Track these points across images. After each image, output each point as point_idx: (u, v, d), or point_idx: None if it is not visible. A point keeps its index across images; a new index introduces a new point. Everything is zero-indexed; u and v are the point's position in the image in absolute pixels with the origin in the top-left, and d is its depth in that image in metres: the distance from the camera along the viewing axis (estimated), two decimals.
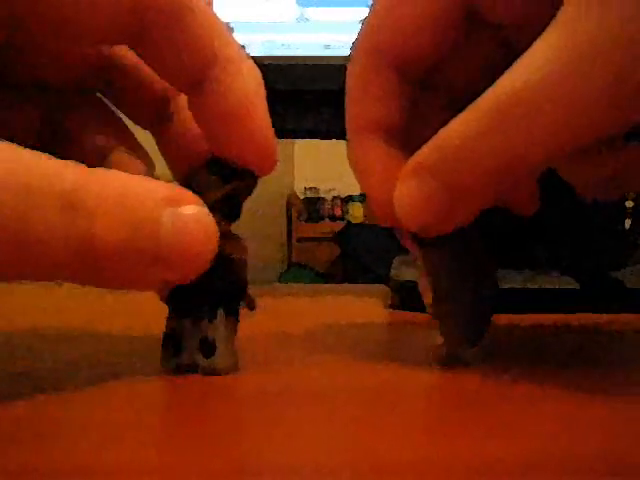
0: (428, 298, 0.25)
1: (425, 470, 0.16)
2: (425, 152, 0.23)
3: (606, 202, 0.26)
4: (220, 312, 0.24)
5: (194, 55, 0.23)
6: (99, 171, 0.20)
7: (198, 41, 0.23)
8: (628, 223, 0.46)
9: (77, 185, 0.19)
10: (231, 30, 0.25)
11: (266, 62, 0.53)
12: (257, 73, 0.24)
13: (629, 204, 0.43)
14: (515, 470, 0.16)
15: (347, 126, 0.27)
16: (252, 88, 0.24)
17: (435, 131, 0.23)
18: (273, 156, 0.25)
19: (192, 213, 0.20)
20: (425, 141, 0.23)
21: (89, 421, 0.20)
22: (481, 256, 0.26)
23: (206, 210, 0.21)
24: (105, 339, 0.30)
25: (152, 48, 0.24)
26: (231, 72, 0.24)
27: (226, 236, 0.23)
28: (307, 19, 0.60)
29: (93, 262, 0.19)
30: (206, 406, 0.21)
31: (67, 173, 0.19)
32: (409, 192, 0.23)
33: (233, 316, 0.24)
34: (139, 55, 0.24)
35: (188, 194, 0.21)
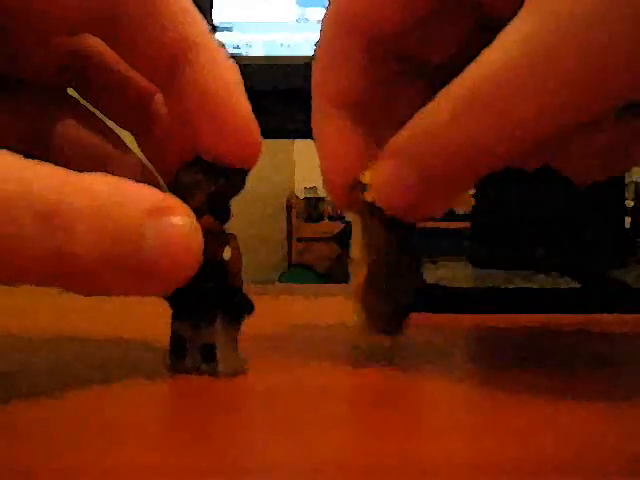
0: (361, 276, 0.25)
1: (423, 471, 0.16)
2: (401, 136, 0.23)
3: (598, 185, 0.25)
4: (219, 316, 0.24)
5: (166, 42, 0.23)
6: (80, 178, 0.19)
7: (170, 28, 0.23)
8: (628, 223, 0.46)
9: (55, 195, 0.18)
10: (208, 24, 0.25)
11: (266, 62, 0.53)
12: (232, 61, 0.24)
13: (629, 204, 0.43)
14: (515, 471, 0.16)
15: (312, 96, 0.26)
16: (229, 75, 0.23)
17: (409, 108, 0.22)
18: (256, 146, 0.24)
19: (177, 225, 0.19)
20: (398, 118, 0.23)
21: (94, 421, 0.20)
22: (414, 250, 0.26)
23: (192, 220, 0.20)
24: (107, 340, 0.30)
25: (124, 36, 0.23)
26: (206, 59, 0.23)
27: (217, 237, 0.23)
28: (307, 19, 0.60)
29: (72, 274, 0.19)
30: (204, 407, 0.21)
31: (45, 181, 0.18)
32: (386, 176, 0.23)
33: (233, 319, 0.24)
34: (111, 46, 0.24)
35: (174, 203, 0.20)
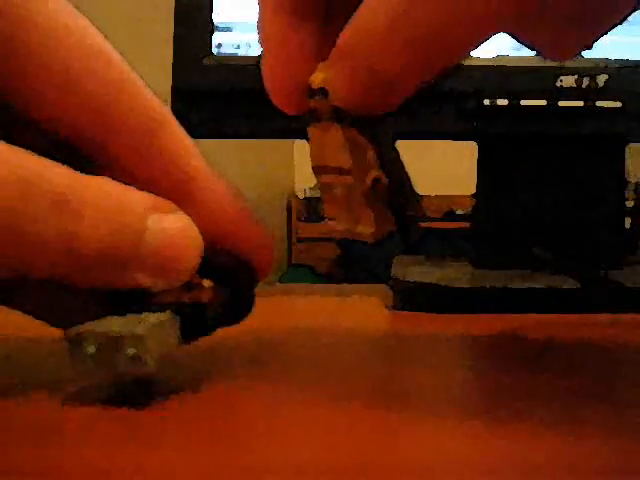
0: (369, 180, 0.24)
1: (422, 471, 0.16)
2: (350, 36, 0.21)
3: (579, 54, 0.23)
4: (176, 328, 0.21)
5: (169, 175, 0.23)
6: (87, 177, 0.20)
7: (172, 161, 0.23)
8: (628, 223, 0.46)
9: (67, 185, 0.19)
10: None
11: None
12: (229, 186, 0.24)
13: (629, 204, 0.43)
14: (515, 471, 0.16)
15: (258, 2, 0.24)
16: (236, 202, 0.24)
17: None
18: (271, 255, 0.25)
19: (177, 221, 0.21)
20: (345, 14, 0.22)
21: (86, 422, 0.20)
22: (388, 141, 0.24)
23: (191, 221, 0.21)
24: None
25: (121, 164, 0.23)
26: (210, 189, 0.24)
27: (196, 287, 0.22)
28: None
29: (79, 261, 0.20)
30: (201, 407, 0.21)
31: (58, 173, 0.19)
32: (342, 78, 0.22)
33: (186, 336, 0.22)
34: (107, 168, 0.23)
35: (173, 205, 0.21)
